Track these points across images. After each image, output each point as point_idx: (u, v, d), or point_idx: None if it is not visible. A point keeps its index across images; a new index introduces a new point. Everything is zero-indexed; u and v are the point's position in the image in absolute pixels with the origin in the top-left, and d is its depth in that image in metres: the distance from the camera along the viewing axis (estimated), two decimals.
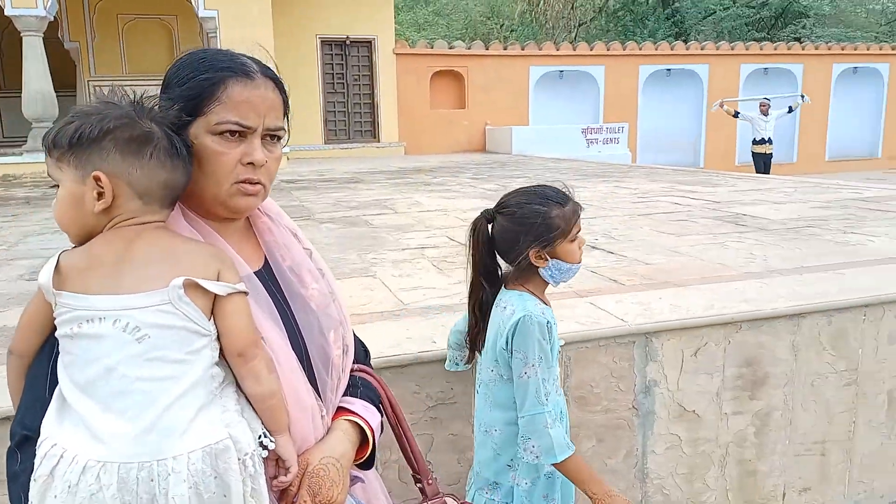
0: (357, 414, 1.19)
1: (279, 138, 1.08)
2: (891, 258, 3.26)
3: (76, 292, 0.92)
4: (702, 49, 17.09)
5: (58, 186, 0.97)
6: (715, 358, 2.42)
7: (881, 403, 2.71)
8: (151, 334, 0.90)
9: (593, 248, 3.67)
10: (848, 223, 4.33)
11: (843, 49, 18.19)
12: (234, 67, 1.04)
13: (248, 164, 1.04)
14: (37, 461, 0.88)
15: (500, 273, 1.74)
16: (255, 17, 10.44)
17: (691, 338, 2.38)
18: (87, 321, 0.91)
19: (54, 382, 0.93)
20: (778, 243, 3.73)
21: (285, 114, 1.09)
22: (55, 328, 0.94)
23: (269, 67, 1.08)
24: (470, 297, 1.78)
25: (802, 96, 13.39)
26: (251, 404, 0.99)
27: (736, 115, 12.88)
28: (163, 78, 1.07)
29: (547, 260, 1.65)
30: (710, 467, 2.48)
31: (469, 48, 15.67)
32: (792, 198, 5.75)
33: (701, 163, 16.89)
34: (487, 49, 15.76)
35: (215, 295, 0.96)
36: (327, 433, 1.13)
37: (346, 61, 14.41)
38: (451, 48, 15.59)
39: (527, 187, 1.72)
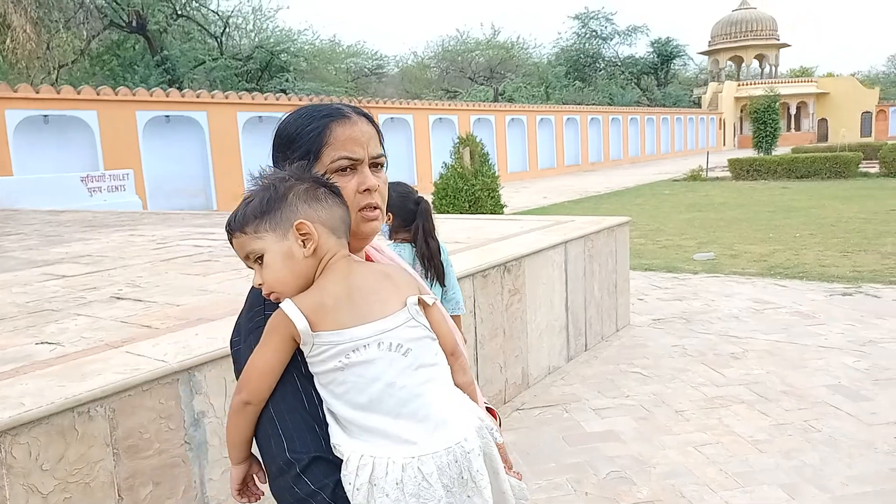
0: None
1: (382, 164, 1.23)
2: None
3: (332, 330, 1.05)
4: (198, 97, 17.59)
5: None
6: None
7: None
8: (412, 347, 1.07)
9: (119, 298, 3.56)
10: None
11: (321, 100, 21.06)
12: (332, 113, 1.20)
13: (365, 191, 1.17)
14: (350, 475, 1.01)
15: None
16: None
17: (230, 364, 2.57)
18: (354, 351, 1.04)
19: (309, 411, 1.06)
20: None
21: (381, 142, 1.24)
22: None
23: (358, 107, 1.23)
24: None
25: None
26: None
27: None
28: (274, 135, 1.24)
29: None
30: None
31: None
32: None
33: (214, 206, 17.33)
34: None
35: (426, 305, 1.12)
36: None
37: None
38: None
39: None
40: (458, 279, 3.69)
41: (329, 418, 1.07)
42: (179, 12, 30.75)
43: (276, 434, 1.06)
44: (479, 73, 52.02)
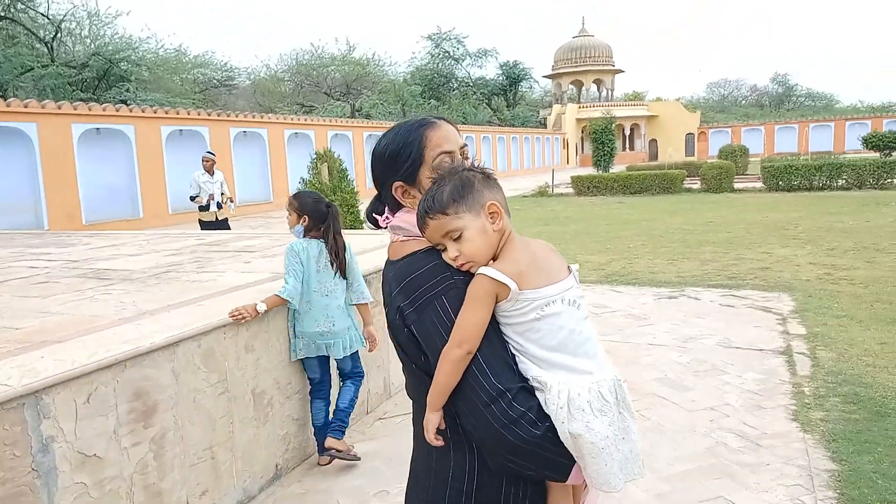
0: None
1: (466, 152, 1.55)
2: (237, 287, 4.02)
3: (531, 289, 1.34)
4: (26, 107, 16.13)
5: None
6: (107, 399, 2.59)
7: (248, 402, 3.37)
8: (580, 303, 1.39)
9: None
10: (199, 264, 5.04)
11: (167, 113, 20.03)
12: (422, 123, 1.51)
13: None
14: (553, 398, 1.30)
15: None
16: None
17: (81, 386, 2.49)
18: (546, 305, 1.34)
19: (507, 353, 1.35)
20: (143, 290, 4.09)
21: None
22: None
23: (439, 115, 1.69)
24: None
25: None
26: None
27: (192, 198, 10.21)
28: (374, 157, 1.52)
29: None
30: (120, 501, 2.63)
31: None
32: (146, 249, 6.22)
33: (45, 224, 15.92)
34: None
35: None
36: None
37: None
38: None
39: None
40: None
41: (520, 357, 1.36)
42: (2, 13, 28.03)
43: (485, 372, 1.32)
44: (335, 89, 51.85)
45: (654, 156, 57.22)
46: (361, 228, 10.13)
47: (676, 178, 22.99)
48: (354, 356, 3.83)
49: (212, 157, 10.41)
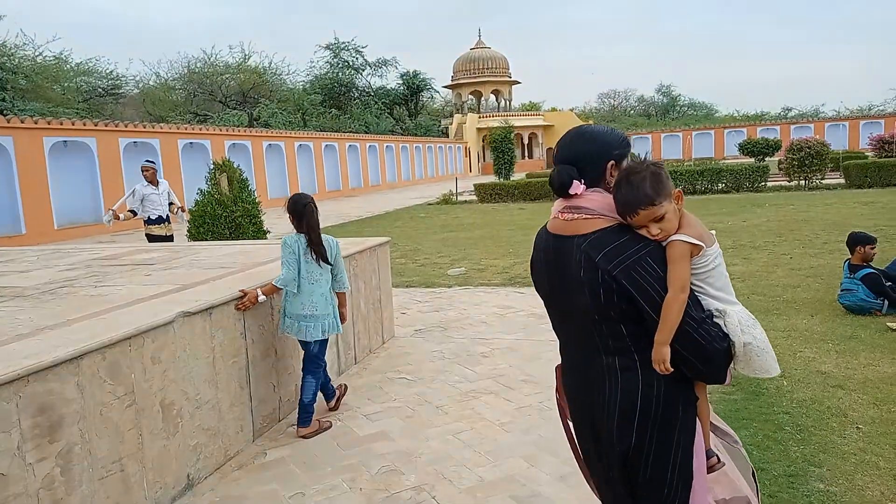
0: None
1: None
2: (139, 299, 3.95)
3: (709, 247, 1.86)
4: None
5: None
6: (9, 415, 2.53)
7: (157, 413, 3.33)
8: (720, 262, 1.91)
9: None
10: (96, 279, 4.88)
11: (49, 123, 18.89)
12: (618, 133, 1.99)
13: None
14: (732, 318, 1.85)
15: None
16: None
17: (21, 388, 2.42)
18: (716, 258, 1.88)
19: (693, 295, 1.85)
20: (39, 306, 3.94)
21: None
22: None
23: None
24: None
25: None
26: None
27: (135, 213, 9.41)
28: (585, 133, 1.97)
29: None
30: None
31: None
32: (37, 265, 5.93)
33: None
34: None
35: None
36: None
37: None
38: None
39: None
40: (226, 303, 3.88)
41: (701, 296, 1.87)
42: None
43: (690, 307, 1.80)
44: (231, 98, 50.42)
45: (551, 163, 59.13)
46: (264, 238, 10.00)
47: None
48: (323, 343, 4.32)
49: (152, 165, 9.52)
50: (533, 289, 8.08)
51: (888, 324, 5.84)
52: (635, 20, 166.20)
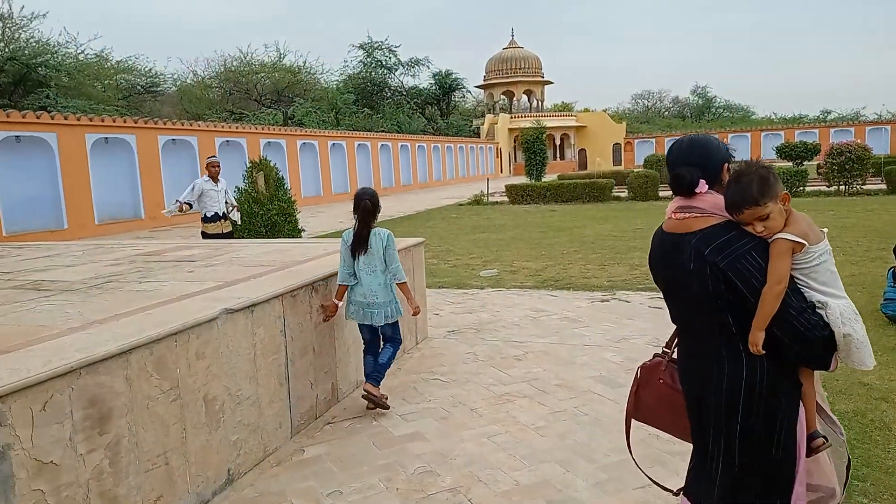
0: None
1: None
2: (183, 295, 4.04)
3: (814, 245, 2.04)
4: None
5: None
6: (63, 407, 2.61)
7: (200, 408, 3.40)
8: (827, 258, 2.09)
9: None
10: (141, 274, 4.99)
11: (91, 120, 19.35)
12: (721, 141, 2.30)
13: None
14: (834, 311, 2.02)
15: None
16: None
17: (37, 394, 2.50)
18: (821, 255, 2.07)
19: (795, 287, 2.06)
20: (87, 300, 4.05)
21: None
22: None
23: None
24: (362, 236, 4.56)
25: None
26: None
27: (191, 206, 9.32)
28: (700, 141, 2.27)
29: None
30: None
31: None
32: (83, 260, 6.09)
33: None
34: None
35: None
36: None
37: None
38: None
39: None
40: (267, 301, 3.93)
41: (804, 289, 2.07)
42: None
43: (790, 297, 2.02)
44: (266, 96, 51.08)
45: (583, 165, 58.85)
46: (299, 236, 10.12)
47: (605, 186, 23.80)
48: (395, 326, 4.71)
49: (218, 161, 9.56)
50: (565, 291, 8.02)
51: None
52: (669, 20, 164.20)
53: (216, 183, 9.24)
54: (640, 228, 14.78)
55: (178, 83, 50.08)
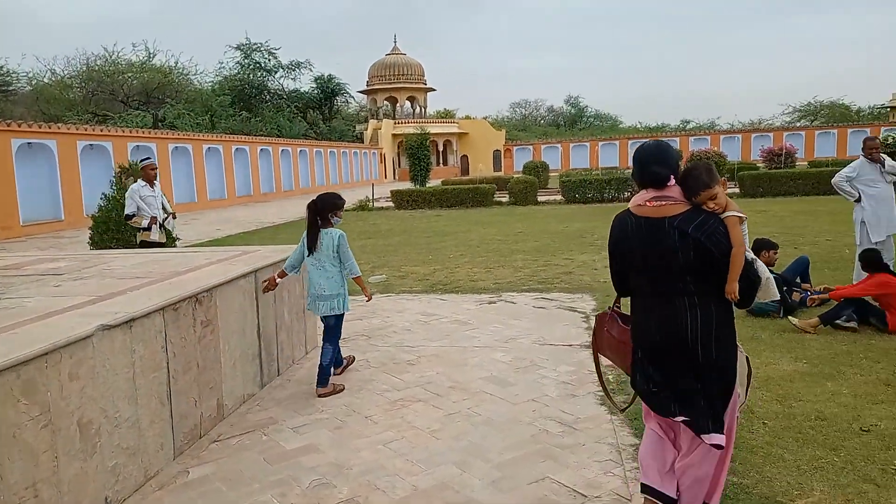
0: None
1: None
2: (52, 312, 3.72)
3: (745, 216, 2.92)
4: None
5: None
6: None
7: (74, 433, 3.15)
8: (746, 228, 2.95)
9: None
10: None
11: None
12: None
13: None
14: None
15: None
16: None
17: None
18: (745, 223, 2.91)
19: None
20: None
21: None
22: None
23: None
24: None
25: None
26: None
27: (129, 217, 8.32)
28: (668, 149, 2.95)
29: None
30: None
31: None
32: None
33: None
34: None
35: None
36: None
37: None
38: None
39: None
40: (147, 315, 3.78)
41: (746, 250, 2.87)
42: None
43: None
44: (134, 97, 48.15)
45: (465, 170, 60.00)
46: (173, 245, 9.58)
47: (488, 192, 24.40)
48: (338, 318, 5.12)
49: (154, 163, 8.63)
50: (454, 295, 8.11)
51: (790, 318, 6.31)
52: (544, 32, 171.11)
53: (152, 187, 8.39)
54: (522, 232, 15.28)
55: (34, 82, 46.15)
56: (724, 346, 2.83)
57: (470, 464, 3.80)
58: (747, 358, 3.03)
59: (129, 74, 47.42)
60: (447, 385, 5.12)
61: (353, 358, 5.71)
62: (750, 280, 2.82)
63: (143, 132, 27.30)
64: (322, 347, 5.11)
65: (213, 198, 30.32)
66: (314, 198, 5.14)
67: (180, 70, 50.94)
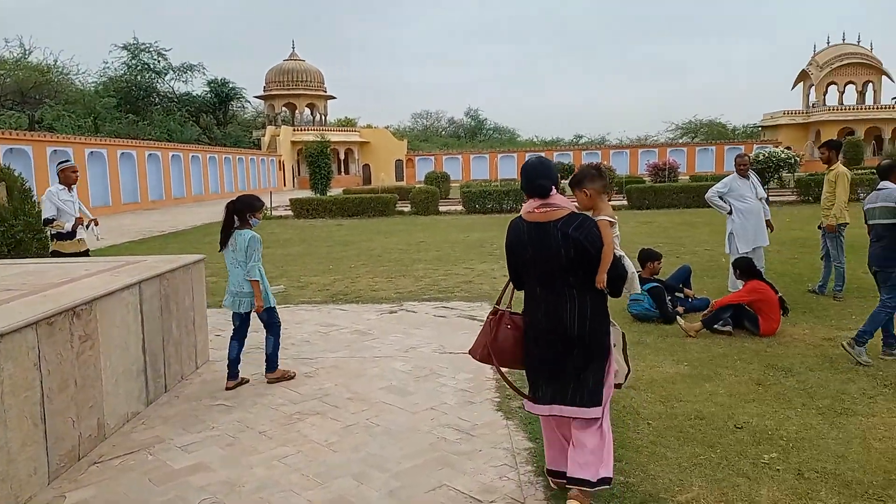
0: None
1: None
2: None
3: (615, 221, 3.51)
4: None
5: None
6: None
7: None
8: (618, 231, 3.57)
9: None
10: None
11: None
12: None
13: None
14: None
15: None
16: None
17: None
18: (616, 226, 3.48)
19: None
20: None
21: None
22: None
23: None
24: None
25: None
26: None
27: (48, 222, 7.58)
28: (550, 164, 3.44)
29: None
30: None
31: None
32: None
33: None
34: None
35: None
36: None
37: None
38: None
39: None
40: (17, 330, 3.53)
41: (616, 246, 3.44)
42: None
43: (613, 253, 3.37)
44: (7, 97, 44.65)
45: (367, 180, 59.70)
46: (50, 255, 8.96)
47: (389, 201, 24.37)
48: (269, 311, 5.43)
49: (75, 166, 7.94)
50: (355, 305, 8.07)
51: (678, 319, 6.73)
52: (445, 43, 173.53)
53: (70, 191, 7.67)
54: (423, 241, 15.37)
55: None
56: (595, 328, 3.29)
57: (368, 475, 3.76)
58: (623, 335, 3.51)
59: (2, 72, 43.98)
60: (345, 396, 5.05)
61: (293, 374, 5.58)
62: (618, 273, 3.31)
63: (17, 134, 25.34)
64: (265, 339, 5.42)
65: (97, 204, 28.52)
66: (235, 199, 5.44)
67: (60, 69, 47.79)
